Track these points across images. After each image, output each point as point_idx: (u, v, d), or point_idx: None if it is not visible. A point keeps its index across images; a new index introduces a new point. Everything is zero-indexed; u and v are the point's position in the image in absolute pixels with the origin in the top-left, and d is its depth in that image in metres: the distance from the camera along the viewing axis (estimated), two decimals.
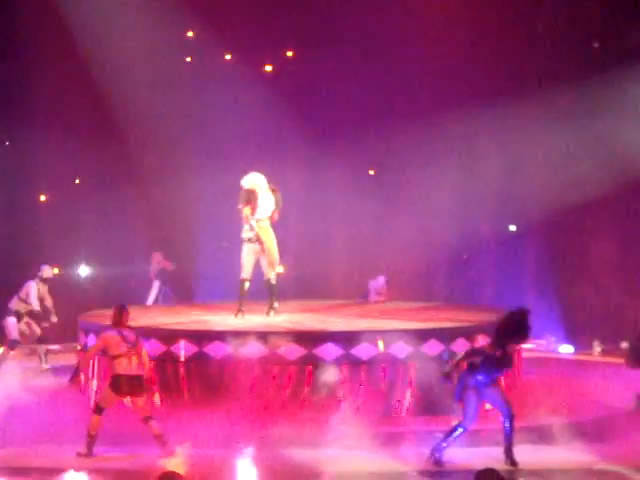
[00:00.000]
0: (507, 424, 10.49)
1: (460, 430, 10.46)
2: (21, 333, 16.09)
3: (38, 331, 16.22)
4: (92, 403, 12.37)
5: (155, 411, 11.05)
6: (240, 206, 14.13)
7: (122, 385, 11.12)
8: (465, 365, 10.61)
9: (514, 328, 10.51)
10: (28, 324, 16.15)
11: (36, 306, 16.05)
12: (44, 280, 16.26)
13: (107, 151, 19.61)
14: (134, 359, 11.14)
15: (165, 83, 19.55)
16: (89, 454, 10.83)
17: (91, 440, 10.90)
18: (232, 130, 19.60)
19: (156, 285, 19.28)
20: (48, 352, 16.55)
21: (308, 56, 19.97)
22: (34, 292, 16.07)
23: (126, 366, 11.10)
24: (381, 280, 18.99)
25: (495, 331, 10.75)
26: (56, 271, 16.48)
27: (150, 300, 19.12)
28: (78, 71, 18.96)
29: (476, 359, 10.54)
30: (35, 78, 19.08)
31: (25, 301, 16.11)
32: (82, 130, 19.48)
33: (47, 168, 19.54)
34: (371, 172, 20.72)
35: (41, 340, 16.38)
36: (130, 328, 11.37)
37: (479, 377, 10.48)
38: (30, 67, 19.06)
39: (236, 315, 14.25)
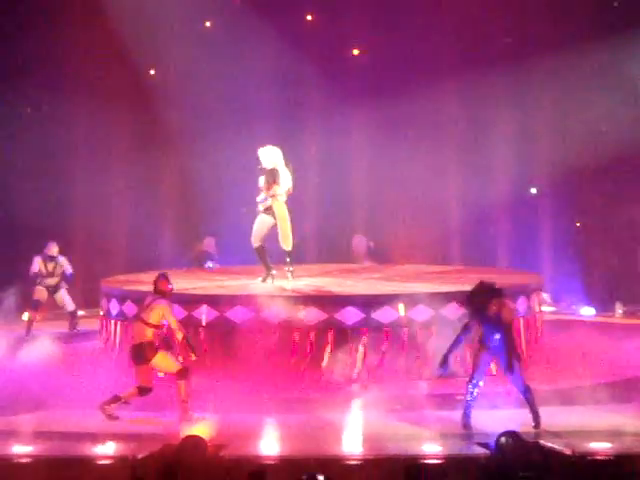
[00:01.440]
0: (525, 398, 10.47)
1: (473, 389, 10.44)
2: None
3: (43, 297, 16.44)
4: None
5: (185, 373, 11.01)
6: (265, 187, 14.03)
7: (131, 355, 11.20)
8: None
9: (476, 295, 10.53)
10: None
11: (34, 277, 16.36)
12: (49, 257, 16.44)
13: (137, 120, 19.63)
14: (136, 326, 11.12)
15: (196, 49, 19.52)
16: (112, 415, 10.92)
17: (113, 399, 10.98)
18: (258, 96, 19.60)
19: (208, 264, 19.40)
20: (74, 318, 16.72)
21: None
22: (34, 266, 16.42)
23: (133, 334, 11.20)
24: (362, 241, 19.04)
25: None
26: (56, 250, 16.55)
27: None
28: (108, 38, 18.96)
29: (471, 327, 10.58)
30: (65, 45, 19.07)
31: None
32: (113, 98, 19.47)
33: (78, 136, 19.58)
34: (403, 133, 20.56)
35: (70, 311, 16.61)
36: (158, 295, 11.16)
37: (489, 342, 10.46)
38: (60, 34, 19.04)
39: (265, 279, 14.22)
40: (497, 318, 10.41)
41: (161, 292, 11.15)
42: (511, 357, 10.35)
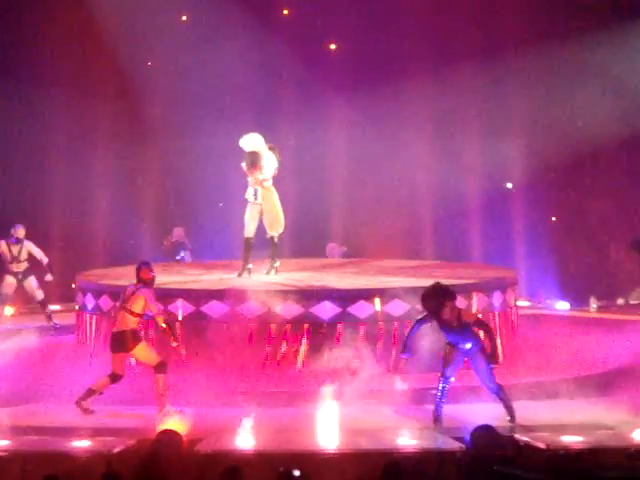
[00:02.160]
0: (497, 397, 10.51)
1: (444, 384, 10.48)
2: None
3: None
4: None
5: (164, 366, 11.01)
6: (246, 168, 14.04)
7: (110, 342, 11.18)
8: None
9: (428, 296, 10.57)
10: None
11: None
12: (15, 240, 16.08)
13: (115, 112, 19.56)
14: (120, 315, 11.08)
15: (170, 39, 19.47)
16: (88, 410, 10.89)
17: (87, 394, 10.96)
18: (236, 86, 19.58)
19: (181, 255, 19.36)
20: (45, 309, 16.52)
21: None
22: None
23: (116, 322, 11.14)
24: (335, 248, 19.17)
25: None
26: (22, 233, 16.26)
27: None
28: (87, 28, 18.89)
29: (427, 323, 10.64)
30: (43, 35, 18.97)
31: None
32: (91, 90, 19.38)
33: (56, 128, 19.49)
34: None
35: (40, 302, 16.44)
36: (141, 284, 11.14)
37: (452, 341, 10.52)
38: (39, 25, 18.96)
39: (240, 274, 14.23)
40: (459, 321, 10.42)
41: (143, 280, 11.14)
42: (495, 353, 10.42)
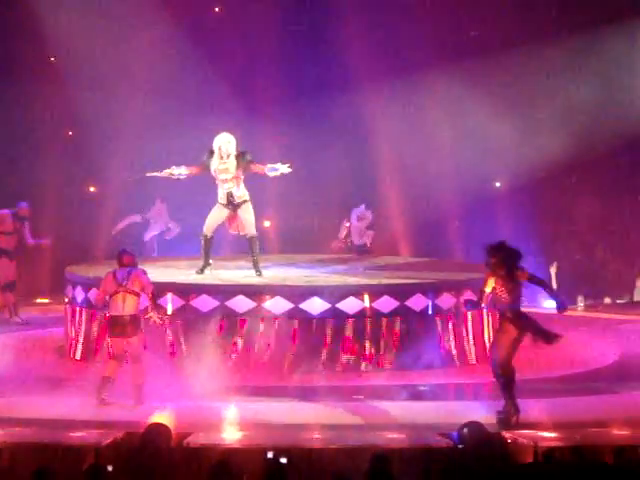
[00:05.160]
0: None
1: None
2: None
3: None
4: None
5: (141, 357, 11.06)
6: (236, 172, 13.72)
7: (109, 326, 11.23)
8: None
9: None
10: None
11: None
12: (20, 217, 16.08)
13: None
14: (120, 298, 11.09)
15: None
16: (101, 399, 10.94)
17: (103, 383, 11.02)
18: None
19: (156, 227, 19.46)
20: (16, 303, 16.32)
21: None
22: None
23: (113, 306, 11.14)
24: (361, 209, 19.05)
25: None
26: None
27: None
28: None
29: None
30: None
31: None
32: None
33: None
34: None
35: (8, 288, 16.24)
36: (128, 267, 11.20)
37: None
38: None
39: (202, 271, 13.98)
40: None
41: (130, 264, 11.25)
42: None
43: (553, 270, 17.50)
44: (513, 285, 10.36)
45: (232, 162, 13.70)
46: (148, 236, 19.59)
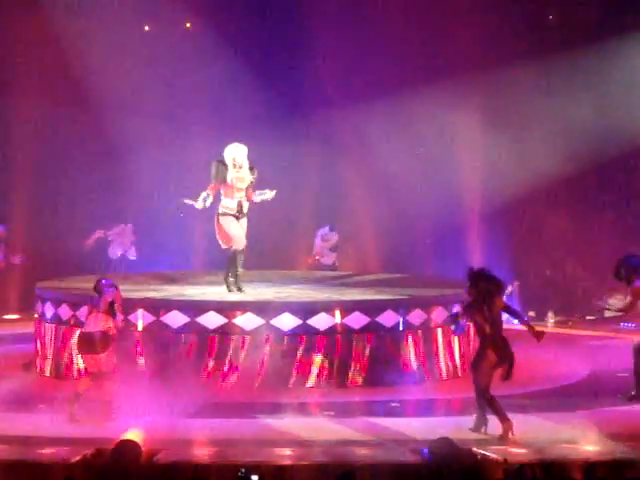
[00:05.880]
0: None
1: None
2: None
3: None
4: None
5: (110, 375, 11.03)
6: (249, 185, 13.73)
7: (79, 342, 11.38)
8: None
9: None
10: None
11: None
12: None
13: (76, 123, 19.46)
14: (92, 316, 11.19)
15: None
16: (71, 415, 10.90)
17: (74, 399, 11.00)
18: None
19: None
20: None
21: None
22: None
23: (86, 323, 11.29)
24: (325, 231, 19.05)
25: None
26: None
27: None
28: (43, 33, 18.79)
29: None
30: None
31: None
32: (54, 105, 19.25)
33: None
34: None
35: None
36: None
37: None
38: None
39: (239, 290, 13.84)
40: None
41: (99, 290, 11.34)
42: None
43: (511, 289, 17.60)
44: (492, 313, 10.49)
45: (246, 171, 13.75)
46: (112, 253, 19.58)
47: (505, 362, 10.56)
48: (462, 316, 10.92)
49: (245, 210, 13.84)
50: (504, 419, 10.38)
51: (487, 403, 10.50)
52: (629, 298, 12.11)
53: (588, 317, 18.47)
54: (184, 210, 15.22)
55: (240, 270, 13.90)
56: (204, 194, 13.71)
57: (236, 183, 13.71)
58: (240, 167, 13.70)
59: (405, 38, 19.21)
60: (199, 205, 13.72)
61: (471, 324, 11.07)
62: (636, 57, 18.85)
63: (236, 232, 13.74)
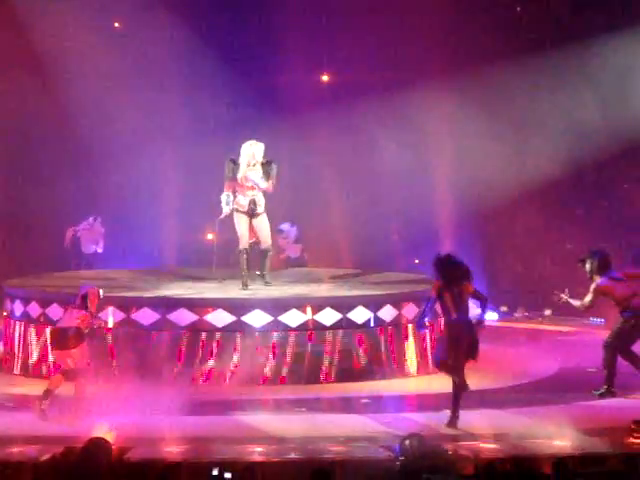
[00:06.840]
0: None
1: None
2: None
3: None
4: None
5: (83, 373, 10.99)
6: (264, 181, 13.69)
7: (51, 338, 11.44)
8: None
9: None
10: None
11: None
12: None
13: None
14: (67, 313, 11.24)
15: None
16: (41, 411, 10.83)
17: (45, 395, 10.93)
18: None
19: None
20: None
21: None
22: None
23: (61, 319, 11.35)
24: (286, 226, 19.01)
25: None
26: None
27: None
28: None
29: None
30: None
31: None
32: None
33: None
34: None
35: None
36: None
37: None
38: None
39: (246, 287, 13.79)
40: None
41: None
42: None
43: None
44: (460, 298, 10.48)
45: (259, 169, 13.71)
46: (86, 248, 19.52)
47: (465, 345, 10.53)
48: (434, 301, 10.79)
49: (260, 209, 13.78)
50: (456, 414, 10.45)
51: (455, 386, 10.54)
52: (590, 295, 12.03)
53: (546, 311, 18.50)
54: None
55: (265, 272, 13.95)
56: (224, 197, 13.73)
57: (246, 182, 13.69)
58: (254, 165, 13.68)
59: (392, 35, 19.22)
60: (227, 210, 13.74)
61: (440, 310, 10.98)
62: (608, 56, 18.89)
63: (242, 231, 13.76)
